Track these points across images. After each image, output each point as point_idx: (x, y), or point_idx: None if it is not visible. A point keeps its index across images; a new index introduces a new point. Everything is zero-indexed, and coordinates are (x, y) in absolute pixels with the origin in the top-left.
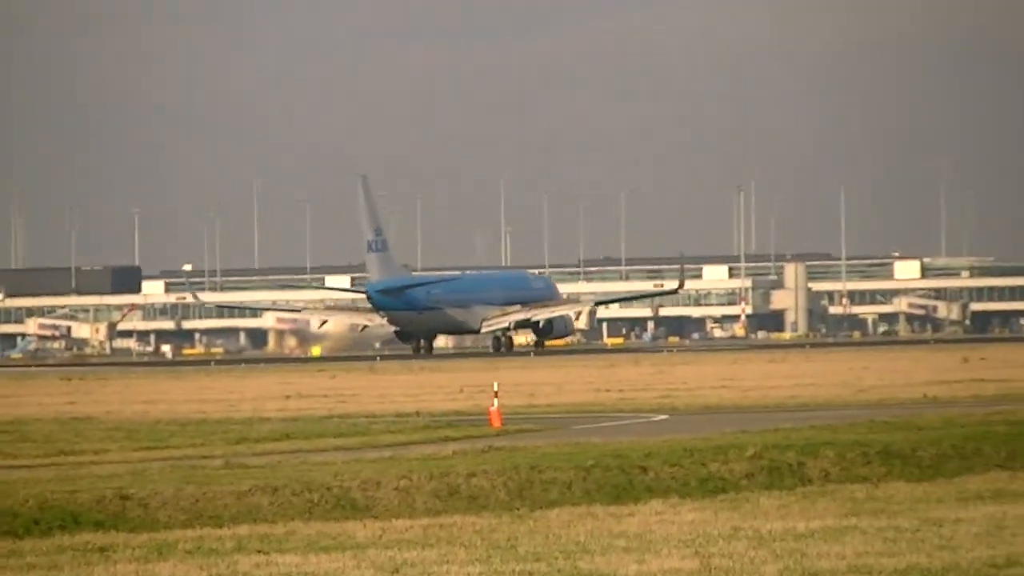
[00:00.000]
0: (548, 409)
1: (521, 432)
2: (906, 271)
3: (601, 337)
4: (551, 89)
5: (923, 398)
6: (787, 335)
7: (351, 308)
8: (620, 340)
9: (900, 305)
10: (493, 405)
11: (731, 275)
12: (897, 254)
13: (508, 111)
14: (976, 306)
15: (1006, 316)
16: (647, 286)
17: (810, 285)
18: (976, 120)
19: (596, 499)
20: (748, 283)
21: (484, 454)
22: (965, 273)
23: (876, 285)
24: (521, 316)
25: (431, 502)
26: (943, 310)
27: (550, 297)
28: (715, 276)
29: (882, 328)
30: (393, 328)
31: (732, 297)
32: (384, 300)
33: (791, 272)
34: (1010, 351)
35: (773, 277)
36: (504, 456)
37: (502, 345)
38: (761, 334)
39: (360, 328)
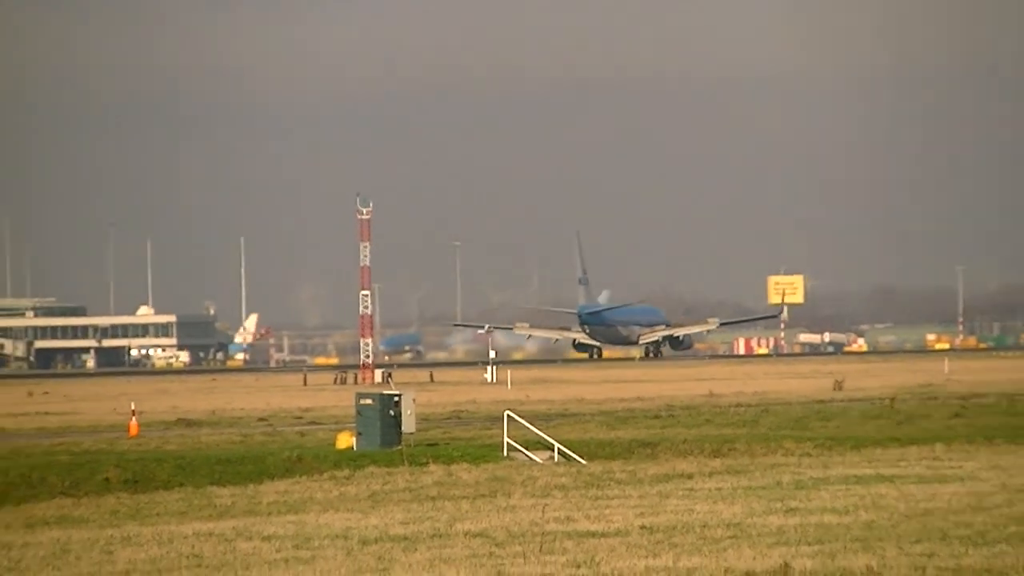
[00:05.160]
0: None
1: None
2: None
3: None
4: None
5: None
6: None
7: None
8: None
9: None
10: None
11: None
12: None
13: None
14: (40, 343)
15: (68, 352)
16: None
17: None
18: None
19: None
20: None
21: None
22: (30, 313)
23: None
24: (667, 332)
25: None
26: (9, 347)
27: (664, 321)
28: None
29: None
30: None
31: None
32: (590, 319)
33: None
34: (70, 386)
35: None
36: None
37: (649, 353)
38: None
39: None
